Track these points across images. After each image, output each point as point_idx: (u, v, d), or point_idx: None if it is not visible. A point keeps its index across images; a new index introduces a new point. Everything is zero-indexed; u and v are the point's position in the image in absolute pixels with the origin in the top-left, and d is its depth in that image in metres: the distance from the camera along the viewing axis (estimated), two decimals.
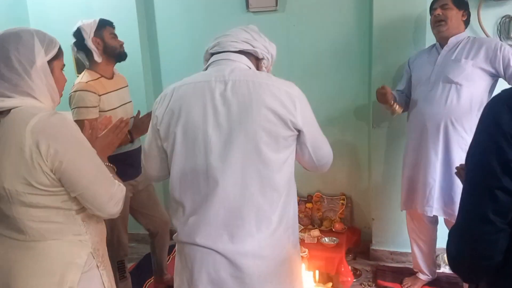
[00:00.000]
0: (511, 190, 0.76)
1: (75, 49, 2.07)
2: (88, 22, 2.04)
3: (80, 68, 3.17)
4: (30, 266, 1.13)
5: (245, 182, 1.14)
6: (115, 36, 2.12)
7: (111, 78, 2.15)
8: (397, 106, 2.24)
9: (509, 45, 2.31)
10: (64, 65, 1.23)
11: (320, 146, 1.26)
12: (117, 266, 2.23)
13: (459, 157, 1.99)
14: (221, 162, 1.14)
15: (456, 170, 1.21)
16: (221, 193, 1.14)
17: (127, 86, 2.28)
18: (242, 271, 1.16)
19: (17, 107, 1.08)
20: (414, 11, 2.44)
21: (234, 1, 2.86)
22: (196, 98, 1.18)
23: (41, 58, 1.11)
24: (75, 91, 1.98)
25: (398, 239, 2.73)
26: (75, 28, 2.04)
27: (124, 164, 2.16)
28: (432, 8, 2.13)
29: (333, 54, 2.78)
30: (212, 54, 1.28)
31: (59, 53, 1.19)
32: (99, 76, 2.07)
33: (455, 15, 2.05)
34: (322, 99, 2.79)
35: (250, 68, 1.25)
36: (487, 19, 2.37)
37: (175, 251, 1.35)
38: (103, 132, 1.34)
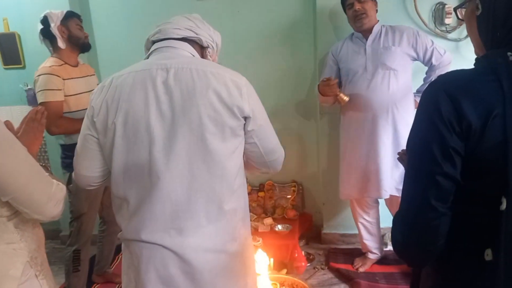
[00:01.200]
0: (452, 175, 0.77)
1: (41, 37, 2.12)
2: (56, 12, 2.11)
3: (6, 59, 2.92)
4: None
5: (191, 173, 1.08)
6: (81, 28, 2.19)
7: (75, 66, 2.19)
8: (343, 95, 2.23)
9: (441, 31, 2.46)
10: None
11: (269, 138, 1.21)
12: (72, 256, 2.18)
13: (406, 137, 2.08)
14: (166, 153, 1.07)
15: (398, 156, 1.23)
16: (167, 186, 1.08)
17: (94, 75, 2.35)
18: (192, 266, 1.10)
19: None
20: None
21: None
22: (136, 88, 1.10)
23: None
24: (39, 75, 2.03)
25: (347, 222, 2.82)
26: (42, 16, 2.09)
27: None
28: (347, 4, 2.21)
29: (279, 40, 2.78)
30: (154, 42, 1.20)
31: None
32: (63, 62, 2.12)
33: (371, 6, 2.18)
34: (269, 87, 2.79)
35: (193, 56, 1.19)
36: (422, 7, 2.47)
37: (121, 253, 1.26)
38: (21, 130, 1.19)
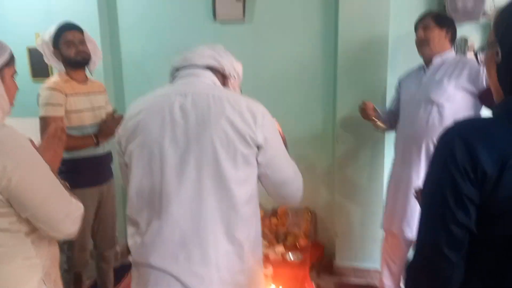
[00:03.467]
0: (465, 224, 0.75)
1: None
2: (46, 38, 2.08)
3: (36, 72, 3.03)
4: None
5: (201, 199, 1.08)
6: (71, 43, 2.09)
7: (83, 82, 2.17)
8: (379, 123, 2.26)
9: None
10: (15, 72, 1.14)
11: (282, 170, 1.18)
12: (73, 278, 2.17)
13: None
14: (177, 178, 1.08)
15: (414, 194, 1.20)
16: (177, 211, 1.08)
17: (104, 91, 2.32)
18: None
19: None
20: (377, 32, 2.51)
21: (201, 10, 2.83)
22: (154, 112, 1.13)
23: None
24: (42, 89, 2.06)
25: (361, 255, 2.76)
26: (37, 44, 2.13)
27: (90, 169, 2.16)
28: (415, 29, 2.15)
29: (299, 69, 2.80)
30: (177, 70, 1.24)
31: (10, 60, 1.11)
32: (69, 78, 2.12)
33: (437, 35, 2.05)
34: (287, 113, 2.80)
35: (215, 84, 1.22)
36: None
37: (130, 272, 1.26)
38: (41, 145, 1.23)
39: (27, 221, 1.05)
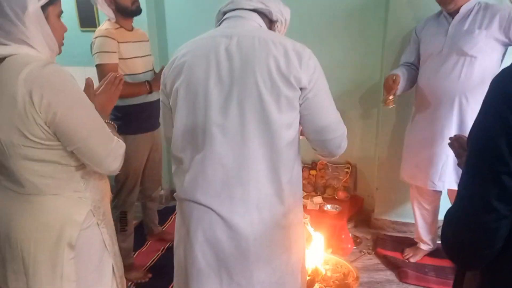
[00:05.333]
0: None
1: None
2: None
3: (83, 22, 3.10)
4: (29, 220, 1.12)
5: (244, 140, 1.10)
6: None
7: (130, 30, 2.21)
8: (392, 101, 2.14)
9: None
10: (61, 11, 1.15)
11: (325, 114, 1.15)
12: (119, 217, 2.28)
13: None
14: (221, 117, 1.10)
15: (449, 141, 1.12)
16: (220, 150, 1.10)
17: (148, 40, 2.34)
18: (238, 233, 1.13)
19: (12, 55, 1.03)
20: None
21: None
22: (200, 54, 1.13)
23: (34, 4, 1.04)
24: (95, 38, 2.08)
25: (400, 209, 2.73)
26: None
27: (143, 115, 2.23)
28: None
29: (346, 18, 2.66)
30: (225, 13, 1.22)
31: None
32: (119, 26, 2.14)
33: None
34: (332, 66, 2.68)
35: (261, 27, 1.19)
36: None
37: (175, 213, 1.33)
38: (99, 90, 1.28)
39: (76, 156, 1.11)
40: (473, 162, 0.77)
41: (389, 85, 2.11)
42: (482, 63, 1.93)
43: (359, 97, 2.80)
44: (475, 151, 0.77)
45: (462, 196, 0.78)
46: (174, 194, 1.26)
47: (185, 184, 1.17)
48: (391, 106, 2.18)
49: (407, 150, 2.31)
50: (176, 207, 1.28)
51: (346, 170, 2.92)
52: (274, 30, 1.24)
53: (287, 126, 1.12)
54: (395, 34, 2.46)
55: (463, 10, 1.96)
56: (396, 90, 2.11)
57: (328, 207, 2.69)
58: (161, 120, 1.30)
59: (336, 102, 1.20)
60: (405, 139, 2.34)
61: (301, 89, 1.10)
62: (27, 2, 1.03)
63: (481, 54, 1.92)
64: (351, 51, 2.72)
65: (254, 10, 1.18)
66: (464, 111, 2.00)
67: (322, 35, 2.73)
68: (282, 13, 1.23)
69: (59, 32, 1.15)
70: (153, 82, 2.20)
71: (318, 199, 2.77)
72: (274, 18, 1.22)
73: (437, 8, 2.31)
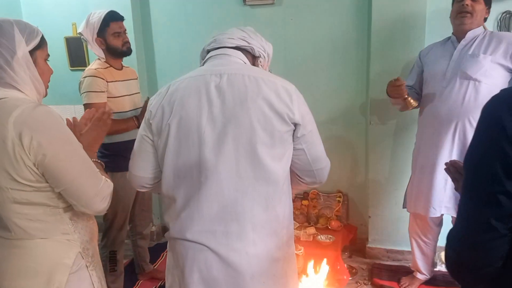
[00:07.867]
0: None
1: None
2: (93, 20, 2.10)
3: (73, 61, 3.14)
4: (17, 266, 1.09)
5: (239, 175, 1.11)
6: (119, 34, 2.14)
7: (120, 69, 2.24)
8: (412, 100, 2.13)
9: None
10: (48, 55, 1.18)
11: (317, 146, 1.22)
12: (108, 256, 2.22)
13: None
14: (215, 155, 1.10)
15: (445, 166, 1.15)
16: (215, 186, 1.11)
17: (137, 78, 2.38)
18: (235, 270, 1.12)
19: (1, 99, 1.04)
20: (413, 8, 2.41)
21: None
22: (191, 92, 1.15)
23: (23, 48, 1.07)
24: (84, 77, 2.09)
25: (394, 237, 2.72)
26: (79, 30, 2.15)
27: (128, 152, 2.17)
28: None
29: (331, 50, 2.75)
30: (209, 52, 1.26)
31: (42, 43, 1.14)
32: (108, 65, 2.17)
33: (481, 9, 1.98)
34: (319, 95, 2.77)
35: (245, 63, 1.23)
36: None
37: (167, 250, 1.31)
38: (87, 127, 1.28)
39: (64, 198, 1.11)
40: (470, 184, 0.80)
41: (395, 87, 2.07)
42: (487, 88, 1.92)
43: (346, 125, 2.84)
44: (471, 174, 0.80)
45: (462, 217, 0.81)
46: (165, 234, 1.24)
47: (178, 223, 1.16)
48: (415, 104, 2.13)
49: (413, 178, 2.27)
50: (168, 247, 1.26)
51: (338, 199, 2.92)
52: (257, 66, 1.27)
53: (279, 159, 1.14)
54: (378, 64, 2.53)
55: (469, 35, 2.00)
56: (405, 87, 2.06)
57: (321, 237, 2.66)
58: (134, 155, 1.25)
59: (321, 129, 1.24)
60: (412, 167, 2.31)
61: (294, 124, 1.13)
62: (16, 47, 1.05)
63: (486, 79, 1.92)
64: (337, 80, 2.78)
65: (237, 48, 1.23)
66: (468, 134, 1.97)
67: (308, 66, 2.79)
68: (264, 48, 1.28)
69: (46, 75, 1.17)
70: (140, 117, 2.22)
71: (311, 230, 2.75)
72: (257, 54, 1.26)
73: (417, 40, 2.42)
